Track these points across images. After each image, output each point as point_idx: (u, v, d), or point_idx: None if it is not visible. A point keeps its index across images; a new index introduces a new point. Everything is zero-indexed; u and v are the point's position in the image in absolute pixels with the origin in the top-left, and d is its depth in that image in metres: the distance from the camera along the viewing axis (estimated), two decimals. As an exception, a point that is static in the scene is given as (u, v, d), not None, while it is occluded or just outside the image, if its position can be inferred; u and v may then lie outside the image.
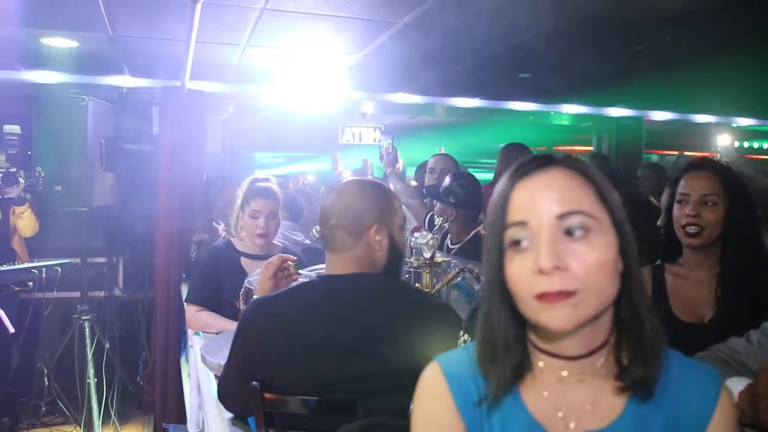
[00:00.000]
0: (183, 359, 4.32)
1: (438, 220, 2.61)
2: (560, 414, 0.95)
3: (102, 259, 4.42)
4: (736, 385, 1.29)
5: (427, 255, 2.37)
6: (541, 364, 0.97)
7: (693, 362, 1.00)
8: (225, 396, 1.75)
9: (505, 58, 4.12)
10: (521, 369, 0.97)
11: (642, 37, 3.73)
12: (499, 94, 5.65)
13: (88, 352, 4.06)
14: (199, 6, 2.52)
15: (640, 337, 0.93)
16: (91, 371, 4.05)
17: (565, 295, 0.87)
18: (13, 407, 4.04)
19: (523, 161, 0.97)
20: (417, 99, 5.60)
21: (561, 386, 0.96)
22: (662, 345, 0.95)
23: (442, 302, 1.75)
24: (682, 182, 1.96)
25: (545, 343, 0.96)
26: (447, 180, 3.34)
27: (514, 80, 4.86)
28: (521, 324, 0.96)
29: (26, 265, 3.88)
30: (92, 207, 4.09)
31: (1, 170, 3.71)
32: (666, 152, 8.51)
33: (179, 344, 4.39)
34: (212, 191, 4.52)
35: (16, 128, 3.76)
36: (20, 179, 3.71)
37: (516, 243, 0.92)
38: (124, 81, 4.64)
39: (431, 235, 2.37)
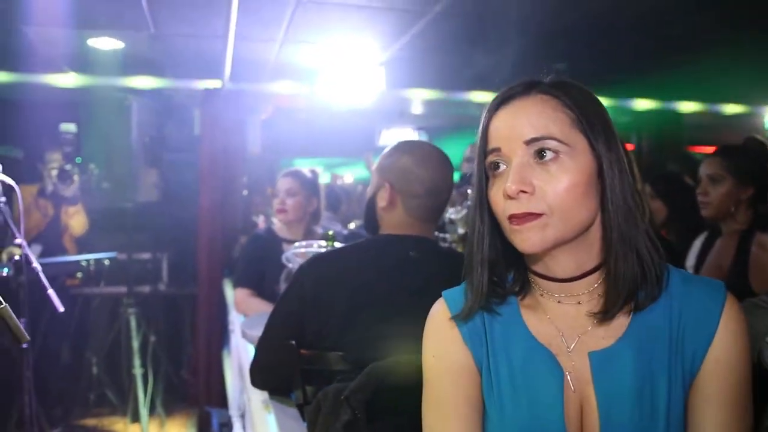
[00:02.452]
0: (225, 352, 4.41)
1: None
2: (562, 335, 0.97)
3: (147, 255, 4.55)
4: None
5: (462, 231, 2.38)
6: (539, 288, 1.00)
7: (697, 277, 1.00)
8: (259, 363, 1.76)
9: (539, 47, 4.11)
10: (515, 284, 1.02)
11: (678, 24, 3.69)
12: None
13: (134, 345, 4.17)
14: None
15: (626, 263, 0.93)
16: (137, 363, 4.16)
17: (532, 216, 0.91)
18: (64, 398, 4.16)
19: (507, 88, 0.99)
20: (452, 95, 5.61)
21: (560, 308, 0.99)
22: (659, 263, 0.95)
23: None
24: None
25: (539, 266, 0.99)
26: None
27: (549, 71, 4.83)
28: (509, 248, 0.98)
29: (75, 257, 4.03)
30: (137, 203, 4.23)
31: (56, 169, 3.87)
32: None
33: (221, 338, 4.49)
34: (252, 191, 4.64)
35: (72, 127, 3.93)
36: (75, 177, 3.86)
37: (494, 168, 0.96)
38: (167, 82, 4.79)
39: (465, 211, 2.39)
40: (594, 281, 0.97)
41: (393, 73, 4.81)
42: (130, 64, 4.41)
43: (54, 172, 3.83)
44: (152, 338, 4.34)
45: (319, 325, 1.57)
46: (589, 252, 0.96)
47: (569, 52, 4.29)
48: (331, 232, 2.26)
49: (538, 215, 0.90)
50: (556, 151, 0.92)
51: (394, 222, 1.70)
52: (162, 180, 4.54)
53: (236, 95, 4.75)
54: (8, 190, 2.57)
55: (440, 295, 1.07)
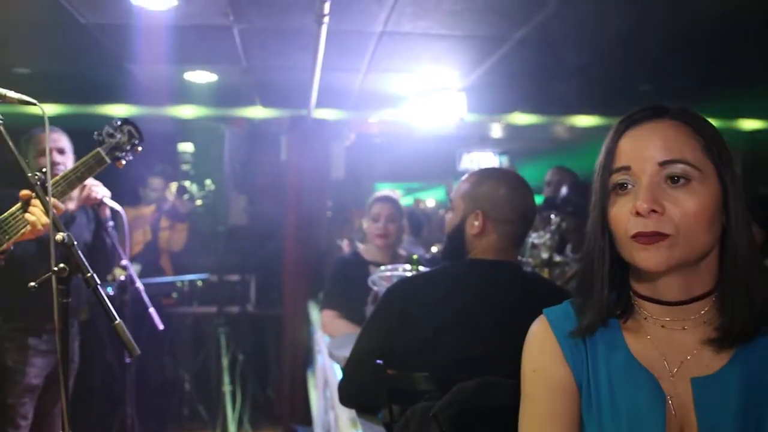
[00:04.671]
0: (309, 372, 4.53)
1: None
2: (664, 358, 0.98)
3: (236, 277, 4.75)
4: None
5: (545, 255, 2.38)
6: (644, 311, 1.01)
7: None
8: (347, 381, 1.82)
9: (624, 70, 4.06)
10: (617, 306, 1.02)
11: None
12: (618, 110, 5.51)
13: (224, 363, 4.35)
14: (324, 28, 2.71)
15: (744, 292, 0.94)
16: (226, 381, 4.33)
17: (659, 237, 0.92)
18: (159, 411, 4.37)
19: (635, 111, 1.02)
20: (533, 119, 5.59)
21: (664, 332, 0.99)
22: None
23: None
24: None
25: (646, 288, 1.00)
26: (564, 190, 3.32)
27: (634, 94, 4.75)
28: (622, 267, 1.01)
29: (171, 278, 4.28)
30: (228, 227, 4.45)
31: (174, 185, 4.13)
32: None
33: (306, 358, 4.61)
34: (336, 216, 4.79)
35: (189, 146, 4.19)
36: (190, 193, 4.12)
37: (619, 186, 0.98)
38: (256, 112, 5.02)
39: (548, 235, 2.39)
40: (702, 307, 0.98)
41: (474, 98, 4.85)
42: (222, 95, 4.67)
43: (173, 188, 4.10)
44: (240, 357, 4.51)
45: (406, 346, 1.62)
46: (701, 278, 0.97)
47: (653, 75, 4.22)
48: (415, 256, 2.32)
49: (666, 236, 0.92)
50: (687, 176, 0.94)
51: (484, 247, 1.74)
52: (251, 205, 4.75)
53: (321, 123, 4.93)
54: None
55: (527, 319, 1.09)
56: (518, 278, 1.72)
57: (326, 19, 2.61)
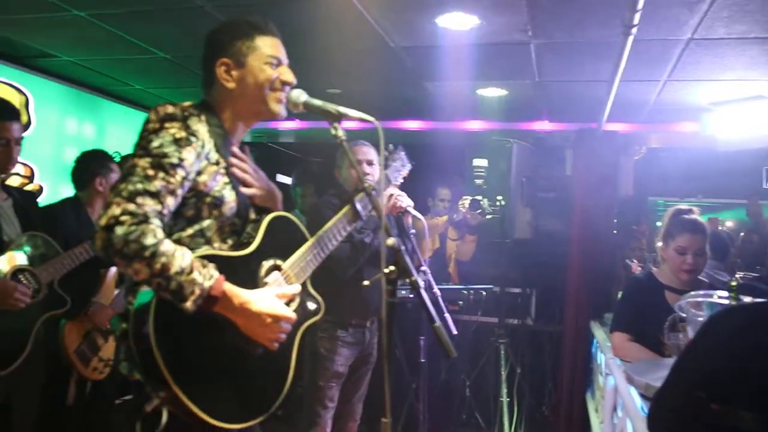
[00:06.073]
0: (588, 395, 4.36)
1: None
2: None
3: (517, 290, 4.79)
4: None
5: None
6: None
7: None
8: (660, 412, 1.73)
9: None
10: None
11: None
12: None
13: (502, 374, 4.40)
14: (630, 39, 2.61)
15: None
16: (504, 392, 4.38)
17: None
18: (440, 411, 4.57)
19: None
20: None
21: None
22: None
23: None
24: None
25: None
26: None
27: None
28: None
29: (458, 286, 4.49)
30: (513, 239, 4.51)
31: (468, 199, 4.36)
32: None
33: (585, 380, 4.45)
34: (621, 233, 4.56)
35: (483, 162, 4.41)
36: (483, 207, 4.32)
37: None
38: (542, 125, 5.02)
39: None
40: None
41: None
42: (511, 109, 4.77)
43: (466, 203, 4.33)
44: (518, 370, 4.53)
45: (734, 381, 1.48)
46: None
47: None
48: (734, 283, 2.10)
49: None
50: None
51: None
52: (535, 218, 4.75)
53: (611, 136, 4.73)
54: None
55: None
56: None
57: (634, 30, 2.51)
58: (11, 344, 2.45)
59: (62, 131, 4.70)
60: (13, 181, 3.97)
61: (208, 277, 1.53)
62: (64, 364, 2.96)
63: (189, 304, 1.50)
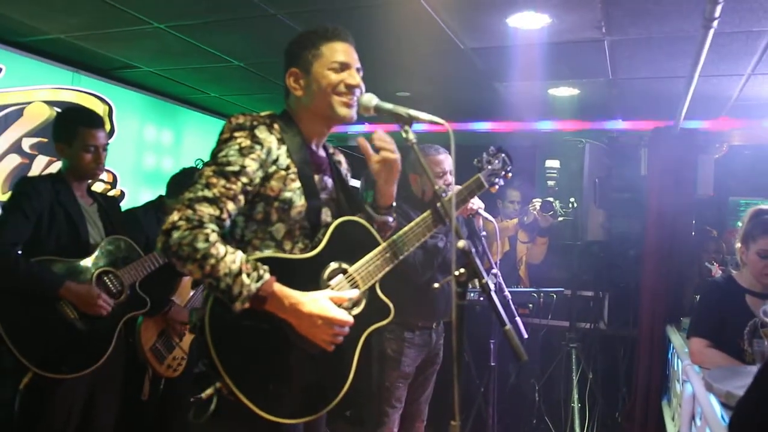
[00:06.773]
0: (664, 402, 4.21)
1: None
2: None
3: (589, 293, 4.67)
4: None
5: None
6: None
7: None
8: (739, 423, 1.66)
9: None
10: None
11: None
12: None
13: (573, 379, 4.30)
14: (710, 32, 2.51)
15: None
16: (575, 397, 4.28)
17: None
18: (510, 417, 4.52)
19: None
20: None
21: None
22: None
23: None
24: None
25: None
26: None
27: None
28: None
29: (528, 289, 4.42)
30: (585, 242, 4.40)
31: (539, 201, 4.29)
32: None
33: (661, 387, 4.30)
34: (699, 235, 4.39)
35: (555, 163, 4.34)
36: (556, 209, 4.25)
37: None
38: (616, 124, 4.89)
39: None
40: None
41: None
42: (583, 108, 4.66)
43: (537, 204, 4.27)
44: (590, 375, 4.42)
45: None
46: None
47: None
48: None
49: None
50: None
51: None
52: (608, 220, 4.62)
53: (689, 134, 4.55)
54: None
55: None
56: None
57: (715, 23, 2.41)
58: (98, 343, 2.57)
59: (142, 138, 4.91)
60: (97, 187, 4.17)
61: (255, 279, 1.60)
62: (140, 362, 3.07)
63: (237, 305, 1.59)
